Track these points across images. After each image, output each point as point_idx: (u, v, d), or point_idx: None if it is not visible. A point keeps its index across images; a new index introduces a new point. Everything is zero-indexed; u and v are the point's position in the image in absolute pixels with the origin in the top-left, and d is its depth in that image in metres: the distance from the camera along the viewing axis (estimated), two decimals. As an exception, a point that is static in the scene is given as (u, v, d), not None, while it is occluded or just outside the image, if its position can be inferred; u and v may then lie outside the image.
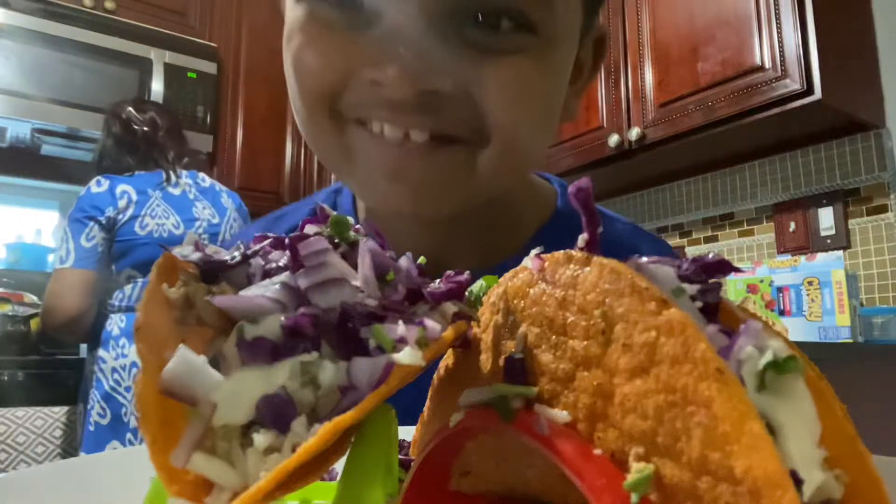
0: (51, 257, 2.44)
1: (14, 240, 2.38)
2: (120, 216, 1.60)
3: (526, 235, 0.57)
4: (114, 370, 1.54)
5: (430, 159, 0.43)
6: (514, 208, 0.56)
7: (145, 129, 1.70)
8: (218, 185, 1.84)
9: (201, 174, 1.80)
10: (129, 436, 1.50)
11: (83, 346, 2.03)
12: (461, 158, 0.44)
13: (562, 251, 0.21)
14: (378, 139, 0.43)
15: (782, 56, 1.63)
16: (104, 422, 1.52)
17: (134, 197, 1.61)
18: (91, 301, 1.60)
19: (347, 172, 0.47)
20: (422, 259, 0.26)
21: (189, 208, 1.69)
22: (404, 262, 0.24)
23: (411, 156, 0.42)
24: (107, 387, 1.53)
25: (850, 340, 1.62)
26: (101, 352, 1.58)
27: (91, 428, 1.52)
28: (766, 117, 1.69)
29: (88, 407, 1.56)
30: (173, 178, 1.68)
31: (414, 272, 0.24)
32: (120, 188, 1.61)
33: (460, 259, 0.52)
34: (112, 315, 1.61)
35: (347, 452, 0.21)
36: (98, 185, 1.61)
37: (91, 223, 1.58)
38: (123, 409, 1.52)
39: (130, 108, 1.73)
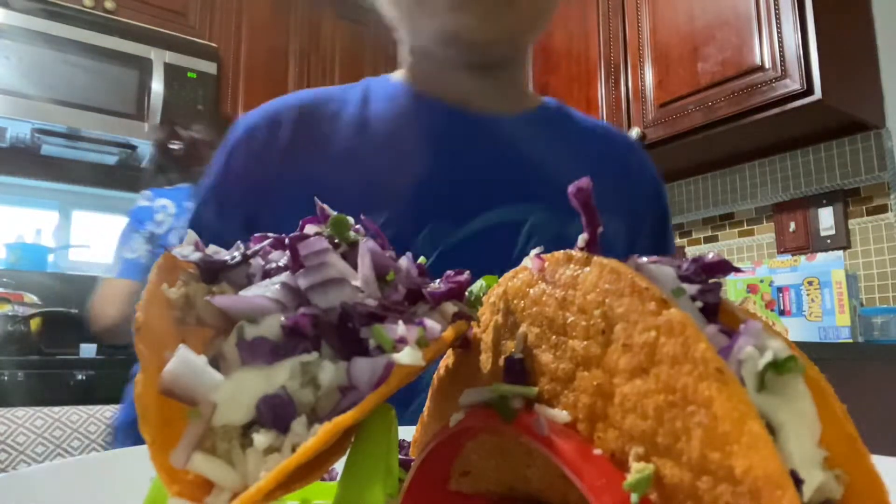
0: (51, 257, 2.44)
1: (14, 240, 2.38)
2: (158, 229, 1.69)
3: (534, 103, 0.69)
4: None
5: None
6: (522, 78, 0.68)
7: (183, 146, 1.82)
8: None
9: None
10: None
11: (83, 347, 2.03)
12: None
13: (562, 251, 0.21)
14: None
15: (782, 56, 1.63)
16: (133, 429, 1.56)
17: (171, 209, 1.71)
18: (133, 310, 1.65)
19: (418, 13, 0.58)
20: (422, 259, 0.26)
21: None
22: (404, 262, 0.24)
23: None
24: None
25: (850, 340, 1.62)
26: None
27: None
28: (766, 117, 1.69)
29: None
30: None
31: (414, 272, 0.24)
32: (160, 202, 1.71)
33: (489, 104, 0.64)
34: None
35: (347, 452, 0.21)
36: (144, 199, 1.72)
37: (135, 235, 1.68)
38: None
39: (175, 128, 1.85)
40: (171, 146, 1.82)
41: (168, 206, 1.71)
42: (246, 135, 0.62)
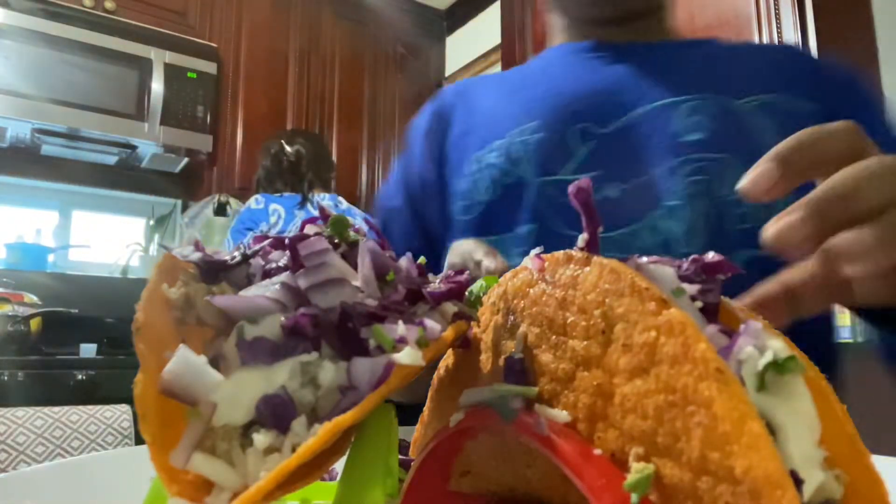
0: (51, 257, 2.44)
1: (14, 240, 2.37)
2: (271, 231, 1.80)
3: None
4: None
5: None
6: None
7: (291, 160, 2.03)
8: (355, 210, 2.10)
9: (340, 197, 2.07)
10: None
11: (83, 347, 2.03)
12: None
13: (562, 251, 0.21)
14: None
15: (782, 56, 1.63)
16: None
17: (282, 215, 1.89)
18: None
19: None
20: (422, 259, 0.26)
21: None
22: (404, 262, 0.24)
23: None
24: None
25: (851, 340, 1.62)
26: None
27: None
28: (766, 117, 1.69)
29: None
30: (307, 202, 1.96)
31: (414, 272, 0.24)
32: (272, 206, 1.90)
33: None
34: None
35: (347, 452, 0.21)
36: (256, 203, 1.91)
37: (248, 233, 1.78)
38: None
39: (282, 142, 2.06)
40: (281, 158, 2.03)
41: (279, 211, 1.90)
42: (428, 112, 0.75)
